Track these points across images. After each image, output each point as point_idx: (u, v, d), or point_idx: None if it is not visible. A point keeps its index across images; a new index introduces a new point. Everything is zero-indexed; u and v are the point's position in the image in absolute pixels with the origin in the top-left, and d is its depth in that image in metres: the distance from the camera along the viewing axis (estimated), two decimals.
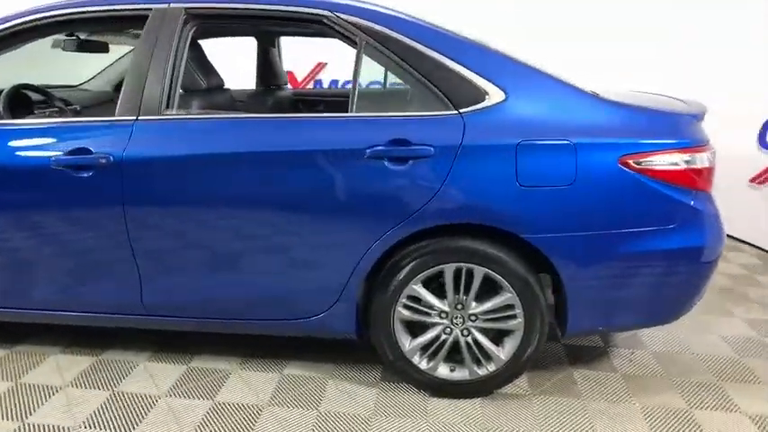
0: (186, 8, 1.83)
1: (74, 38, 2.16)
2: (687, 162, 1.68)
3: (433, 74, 1.74)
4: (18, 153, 1.80)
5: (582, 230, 1.69)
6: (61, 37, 2.16)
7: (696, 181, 1.71)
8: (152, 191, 1.76)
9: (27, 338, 2.28)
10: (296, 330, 1.97)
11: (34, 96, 2.38)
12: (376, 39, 1.77)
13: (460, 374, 1.91)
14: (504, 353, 1.86)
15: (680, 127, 1.75)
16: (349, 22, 1.78)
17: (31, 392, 1.93)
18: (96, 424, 1.77)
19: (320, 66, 5.69)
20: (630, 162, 1.66)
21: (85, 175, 1.75)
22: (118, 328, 2.21)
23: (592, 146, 1.67)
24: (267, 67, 2.85)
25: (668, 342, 2.36)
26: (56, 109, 2.40)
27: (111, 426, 1.76)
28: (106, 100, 3.06)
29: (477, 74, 1.73)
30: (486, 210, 1.69)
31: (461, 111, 1.70)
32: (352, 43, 1.81)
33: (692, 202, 1.71)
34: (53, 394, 1.92)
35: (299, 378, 2.04)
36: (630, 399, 1.96)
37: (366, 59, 1.78)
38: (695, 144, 1.71)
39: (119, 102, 1.80)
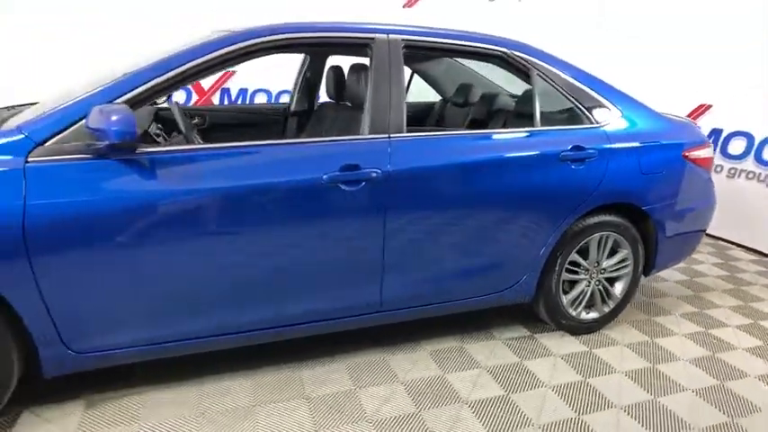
0: (403, 38, 2.11)
1: None
2: (708, 153, 2.72)
3: (579, 97, 2.42)
4: (282, 172, 1.84)
5: (667, 201, 2.57)
6: None
7: (711, 165, 2.77)
8: (410, 197, 2.01)
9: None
10: (493, 302, 2.40)
11: None
12: (541, 71, 2.36)
13: (594, 314, 2.63)
14: (618, 293, 2.65)
15: (700, 131, 2.79)
16: (521, 58, 2.33)
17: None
18: None
19: (228, 74, 5.63)
20: (687, 154, 2.61)
21: (355, 188, 1.91)
22: None
23: (669, 145, 2.56)
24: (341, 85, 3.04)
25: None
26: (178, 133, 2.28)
27: None
28: None
29: (603, 97, 2.47)
30: (627, 192, 2.44)
31: (600, 123, 2.42)
32: (524, 75, 2.36)
33: (710, 179, 2.76)
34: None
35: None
36: (672, 311, 2.96)
37: (537, 86, 2.35)
38: (707, 141, 2.76)
39: (368, 121, 1.99)
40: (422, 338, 2.50)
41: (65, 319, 1.67)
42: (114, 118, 1.52)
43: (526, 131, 2.30)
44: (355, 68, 2.24)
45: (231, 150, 1.82)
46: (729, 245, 4.24)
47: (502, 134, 2.28)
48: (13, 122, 1.88)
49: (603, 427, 1.96)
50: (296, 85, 3.33)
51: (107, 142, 1.57)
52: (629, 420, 2.02)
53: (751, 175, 4.09)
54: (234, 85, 5.65)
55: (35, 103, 2.24)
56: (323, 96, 3.28)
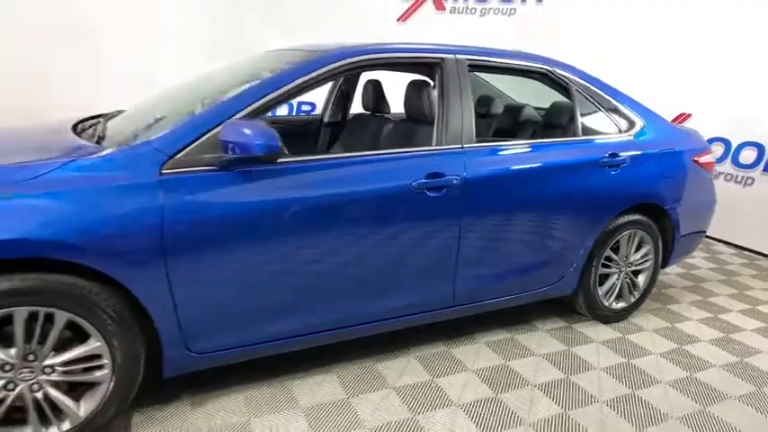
0: (468, 58, 2.33)
1: None
2: (711, 158, 3.08)
3: (610, 109, 2.71)
4: (380, 179, 2.01)
5: (681, 200, 2.90)
6: None
7: (713, 168, 3.13)
8: (481, 201, 2.22)
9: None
10: (541, 296, 2.64)
11: None
12: (579, 87, 2.64)
13: (622, 304, 2.92)
14: (641, 284, 2.95)
15: (703, 139, 3.15)
16: (562, 76, 2.61)
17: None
18: None
19: None
20: (696, 159, 2.95)
21: (439, 194, 2.10)
22: None
23: (682, 151, 2.90)
24: (381, 97, 3.21)
25: None
26: None
27: None
28: None
29: (629, 108, 2.78)
30: (653, 193, 2.75)
31: (628, 132, 2.72)
32: (564, 90, 2.63)
33: (711, 180, 3.12)
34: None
35: None
36: (681, 300, 3.30)
37: (576, 99, 2.63)
38: (710, 148, 3.13)
39: (444, 133, 2.19)
40: (474, 332, 2.70)
41: (189, 321, 1.78)
42: (250, 132, 1.65)
43: (573, 140, 2.57)
44: (416, 85, 2.42)
45: (345, 159, 2.00)
46: (712, 240, 4.68)
47: (555, 143, 2.54)
48: (114, 132, 1.97)
49: (657, 400, 2.23)
50: (330, 97, 3.48)
51: (234, 155, 1.69)
52: (676, 393, 2.29)
53: (729, 177, 4.54)
54: None
55: (110, 115, 2.32)
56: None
